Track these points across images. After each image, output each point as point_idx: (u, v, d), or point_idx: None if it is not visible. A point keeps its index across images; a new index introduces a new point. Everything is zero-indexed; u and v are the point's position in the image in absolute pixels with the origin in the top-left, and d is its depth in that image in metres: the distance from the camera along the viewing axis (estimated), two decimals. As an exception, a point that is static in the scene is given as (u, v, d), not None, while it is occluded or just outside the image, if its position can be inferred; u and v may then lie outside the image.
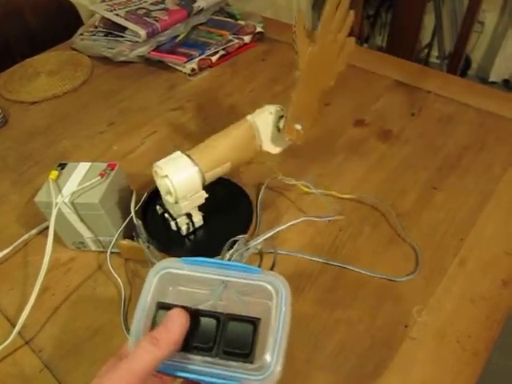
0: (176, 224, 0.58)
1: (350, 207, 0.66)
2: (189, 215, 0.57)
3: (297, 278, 0.58)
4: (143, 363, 0.30)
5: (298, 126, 0.57)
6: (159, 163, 0.53)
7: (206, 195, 0.56)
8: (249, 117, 0.58)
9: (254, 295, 0.35)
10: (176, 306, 0.34)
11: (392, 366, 0.49)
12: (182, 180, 0.52)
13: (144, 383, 0.30)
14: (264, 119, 0.58)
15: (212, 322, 0.33)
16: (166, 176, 0.51)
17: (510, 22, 2.10)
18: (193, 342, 0.33)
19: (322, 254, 0.60)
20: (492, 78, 2.30)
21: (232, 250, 0.42)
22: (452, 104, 0.84)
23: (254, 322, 0.33)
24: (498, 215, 0.64)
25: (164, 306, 0.35)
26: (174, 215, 0.57)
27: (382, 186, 0.69)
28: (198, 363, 0.32)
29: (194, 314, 0.34)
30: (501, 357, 1.03)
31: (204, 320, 0.34)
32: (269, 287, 0.34)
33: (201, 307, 0.35)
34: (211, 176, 0.55)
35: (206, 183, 0.55)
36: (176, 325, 0.32)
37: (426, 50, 2.32)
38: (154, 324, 0.34)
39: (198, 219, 0.59)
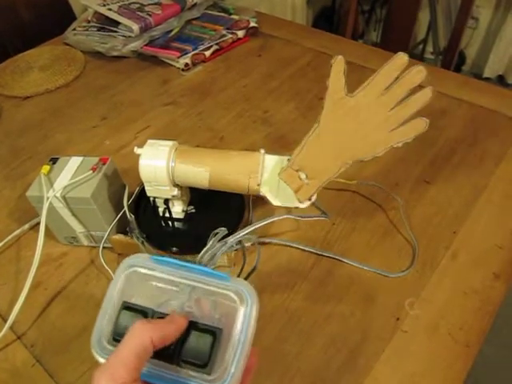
0: (154, 202, 0.58)
1: (344, 199, 0.66)
2: (166, 201, 0.58)
3: (288, 274, 0.58)
4: (128, 348, 0.29)
5: (302, 175, 0.49)
6: (148, 142, 0.54)
7: (175, 193, 0.55)
8: (262, 150, 0.52)
9: (224, 298, 0.34)
10: (141, 307, 0.34)
11: (383, 359, 0.49)
12: (147, 165, 0.53)
13: (140, 363, 0.29)
14: (276, 160, 0.51)
15: None
16: (140, 155, 0.53)
17: (504, 18, 2.11)
18: None
19: (315, 247, 0.60)
20: (486, 74, 2.30)
21: (207, 247, 0.41)
22: (445, 98, 0.84)
23: (214, 333, 0.32)
24: (490, 209, 0.64)
25: (128, 307, 0.34)
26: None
27: (375, 179, 0.69)
28: (158, 369, 0.32)
29: (157, 318, 0.33)
30: (493, 348, 1.03)
31: None
32: (235, 298, 0.34)
33: (168, 308, 0.34)
34: (182, 182, 0.55)
35: (177, 183, 0.55)
36: (174, 320, 0.32)
37: (421, 46, 2.32)
38: (116, 325, 0.34)
39: (177, 210, 0.59)
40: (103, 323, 0.34)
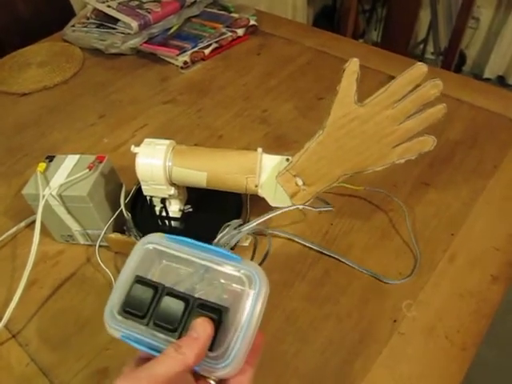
0: (151, 201, 0.58)
1: (343, 200, 0.66)
2: (162, 200, 0.57)
3: (287, 273, 0.58)
4: (165, 368, 0.30)
5: (299, 181, 0.49)
6: (145, 141, 0.54)
7: (172, 192, 0.55)
8: (259, 149, 0.52)
9: (234, 280, 0.35)
10: (153, 282, 0.34)
11: (380, 361, 0.49)
12: (143, 163, 0.53)
13: None
14: (274, 160, 0.51)
15: (181, 304, 0.33)
16: (136, 154, 0.53)
17: (505, 18, 2.10)
18: (159, 319, 0.33)
19: (314, 244, 0.60)
20: (486, 75, 2.30)
21: (222, 234, 0.41)
22: (445, 100, 0.83)
23: (221, 312, 0.33)
24: (488, 211, 0.64)
25: (141, 281, 0.35)
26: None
27: (374, 181, 0.68)
28: (160, 341, 0.33)
29: (166, 293, 0.34)
30: (490, 350, 1.03)
31: (173, 301, 0.33)
32: (245, 280, 0.34)
33: (178, 287, 0.34)
34: (179, 181, 0.55)
35: (174, 182, 0.55)
36: (199, 332, 0.32)
37: (422, 46, 2.31)
38: (127, 296, 0.34)
39: (174, 209, 0.59)
40: (115, 296, 0.35)
